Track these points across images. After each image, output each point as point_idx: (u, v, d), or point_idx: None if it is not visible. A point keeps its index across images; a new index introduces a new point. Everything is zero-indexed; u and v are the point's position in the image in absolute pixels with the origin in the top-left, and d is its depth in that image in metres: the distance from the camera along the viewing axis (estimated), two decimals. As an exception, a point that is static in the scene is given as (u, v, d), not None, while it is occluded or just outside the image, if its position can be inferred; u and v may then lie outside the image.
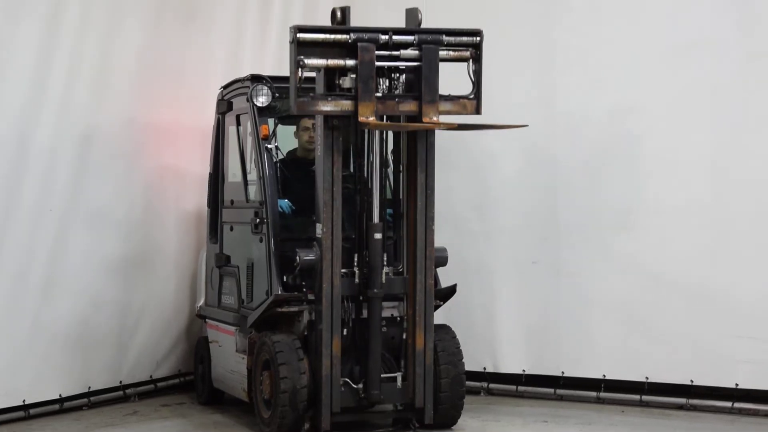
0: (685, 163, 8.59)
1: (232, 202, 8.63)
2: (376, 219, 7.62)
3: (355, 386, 7.58)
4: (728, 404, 8.39)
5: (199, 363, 9.04)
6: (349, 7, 7.63)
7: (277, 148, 8.20)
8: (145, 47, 8.91)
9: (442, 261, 7.88)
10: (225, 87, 8.74)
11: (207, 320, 8.95)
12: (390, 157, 7.92)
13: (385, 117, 7.61)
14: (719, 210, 8.48)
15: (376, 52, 7.39)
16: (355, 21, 7.65)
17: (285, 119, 8.35)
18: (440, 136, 7.78)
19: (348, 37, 7.37)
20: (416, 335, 7.61)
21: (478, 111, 7.62)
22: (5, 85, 7.97)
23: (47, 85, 8.22)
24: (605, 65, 8.83)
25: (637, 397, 8.69)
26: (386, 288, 7.62)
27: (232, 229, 8.62)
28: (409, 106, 7.52)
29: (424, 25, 7.68)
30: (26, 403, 8.16)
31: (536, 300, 9.08)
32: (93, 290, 8.62)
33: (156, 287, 9.13)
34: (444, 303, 8.13)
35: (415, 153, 7.61)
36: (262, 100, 8.07)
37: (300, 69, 7.28)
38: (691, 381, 8.49)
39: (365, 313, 7.75)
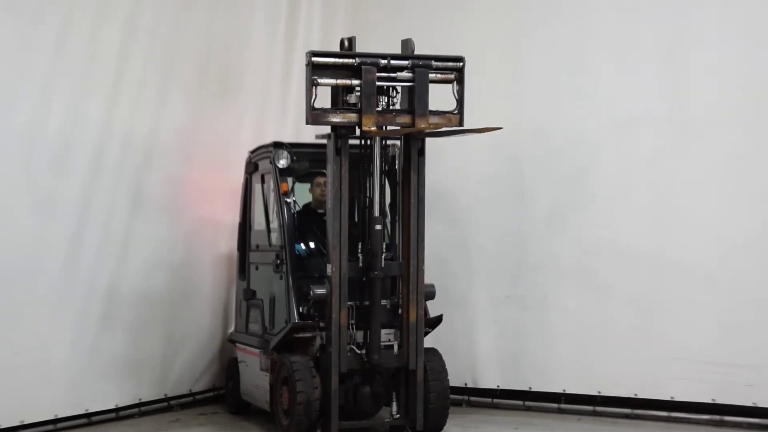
0: (628, 213, 8.53)
1: (257, 246, 8.66)
2: (376, 213, 7.64)
3: (359, 351, 7.60)
4: (665, 413, 8.44)
5: (229, 379, 9.03)
6: (354, 37, 7.71)
7: (294, 201, 8.31)
8: (188, 119, 9.00)
9: (430, 295, 7.94)
10: (252, 152, 8.76)
11: (236, 344, 8.93)
12: (387, 209, 7.95)
13: (384, 127, 7.64)
14: (660, 257, 8.45)
15: (377, 74, 7.48)
16: (359, 48, 7.71)
17: (301, 178, 8.51)
18: (428, 192, 7.75)
19: (354, 61, 7.48)
20: (410, 310, 7.64)
21: (461, 124, 7.65)
22: (74, 151, 8.10)
23: (108, 149, 8.35)
24: (564, 133, 8.85)
25: (591, 408, 8.71)
26: (385, 270, 7.61)
27: (257, 268, 8.64)
28: (404, 119, 7.58)
29: (416, 52, 7.71)
30: (89, 411, 8.29)
31: (508, 327, 9.08)
32: (143, 319, 8.69)
33: (195, 317, 9.17)
34: (432, 330, 8.17)
35: (410, 159, 7.62)
36: (283, 163, 8.16)
37: (314, 87, 7.36)
38: (635, 394, 8.54)
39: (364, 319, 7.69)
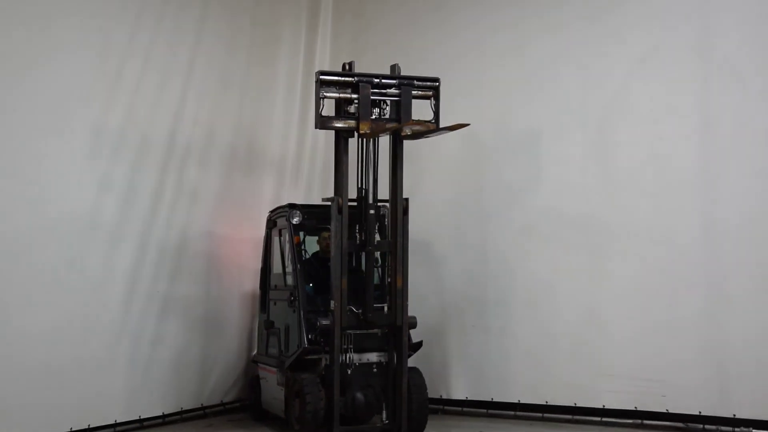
0: (569, 247, 8.40)
1: (275, 286, 8.71)
2: (370, 201, 7.70)
3: (356, 311, 7.60)
4: (598, 419, 8.45)
5: (252, 392, 8.98)
6: (353, 61, 7.82)
7: (305, 250, 8.46)
8: (221, 186, 9.14)
9: (413, 325, 7.96)
10: (272, 211, 8.86)
11: (258, 364, 8.93)
12: (379, 257, 8.12)
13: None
14: (593, 292, 8.46)
15: (371, 90, 7.58)
16: (357, 69, 7.76)
17: (310, 232, 8.60)
18: (410, 242, 7.73)
19: (353, 79, 7.59)
20: (396, 278, 7.65)
21: (437, 128, 7.68)
22: (133, 209, 8.23)
23: (159, 209, 8.48)
24: (534, 146, 8.70)
25: (540, 414, 8.73)
26: (377, 247, 7.67)
27: (275, 303, 8.66)
28: (392, 125, 7.66)
29: (402, 74, 7.80)
30: (141, 417, 8.35)
31: (474, 350, 9.05)
32: (185, 344, 8.77)
33: (225, 342, 9.20)
34: (414, 353, 8.18)
35: (396, 153, 7.56)
36: (296, 220, 8.24)
37: (321, 99, 7.46)
38: (575, 403, 8.57)
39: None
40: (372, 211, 7.68)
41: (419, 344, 8.24)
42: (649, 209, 8.31)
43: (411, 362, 8.09)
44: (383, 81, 7.69)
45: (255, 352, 9.28)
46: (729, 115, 7.91)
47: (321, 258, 8.53)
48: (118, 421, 8.17)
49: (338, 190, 7.62)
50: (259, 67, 9.42)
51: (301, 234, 8.50)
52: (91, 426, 7.91)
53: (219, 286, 9.17)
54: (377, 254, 8.09)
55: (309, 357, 7.93)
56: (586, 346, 8.57)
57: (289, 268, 8.43)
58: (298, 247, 8.30)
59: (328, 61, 9.90)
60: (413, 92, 7.72)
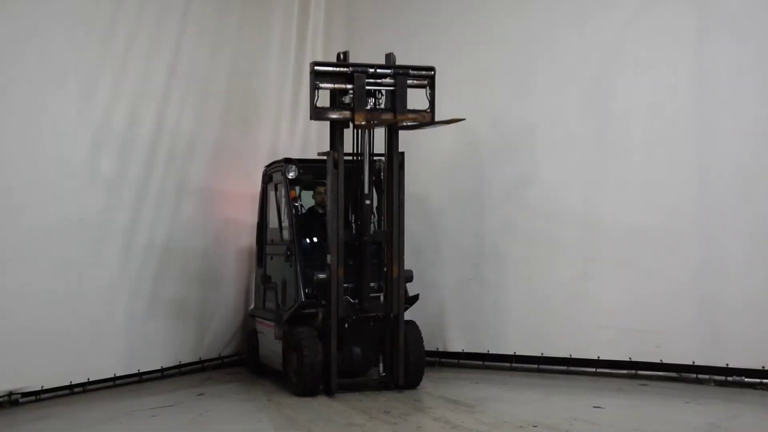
0: (562, 210, 8.53)
1: (272, 240, 8.75)
2: (366, 190, 7.69)
3: (353, 300, 7.67)
4: (593, 370, 8.60)
5: (251, 346, 9.07)
6: (348, 51, 7.85)
7: (301, 205, 8.45)
8: (217, 139, 9.12)
9: (409, 278, 8.08)
10: (267, 166, 8.93)
11: (256, 318, 9.02)
12: (375, 211, 8.02)
13: (372, 122, 7.67)
14: (589, 245, 8.55)
15: (366, 80, 7.59)
16: (352, 59, 7.79)
17: (306, 186, 8.66)
18: (408, 197, 7.92)
19: (348, 69, 7.58)
20: (392, 268, 7.72)
21: (433, 120, 7.76)
22: (130, 163, 8.19)
23: (156, 162, 8.45)
24: (524, 127, 8.75)
25: (536, 366, 8.86)
26: (373, 236, 7.70)
27: (272, 258, 8.73)
28: (387, 116, 7.68)
29: (397, 63, 7.82)
30: (140, 371, 8.44)
31: (471, 303, 9.18)
32: (182, 298, 8.83)
33: (222, 296, 9.27)
34: (411, 306, 8.24)
35: (391, 143, 7.67)
36: (292, 174, 8.31)
37: (316, 89, 7.44)
38: (570, 355, 8.69)
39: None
40: (368, 201, 7.65)
41: (416, 297, 8.32)
42: (645, 160, 8.37)
43: (408, 315, 8.17)
44: (378, 71, 7.67)
45: (252, 306, 9.37)
46: (725, 67, 7.99)
47: (317, 212, 8.58)
48: (117, 375, 8.27)
49: (334, 219, 7.62)
50: (253, 22, 9.46)
51: (297, 188, 8.54)
52: (90, 379, 8.00)
53: (216, 241, 9.22)
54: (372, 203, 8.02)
55: (306, 311, 8.00)
56: (581, 297, 8.67)
57: (285, 223, 8.46)
58: (294, 202, 8.33)
59: (322, 15, 9.91)
60: (408, 81, 7.71)
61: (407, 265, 8.03)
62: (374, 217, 8.04)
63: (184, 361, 8.96)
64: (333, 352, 7.72)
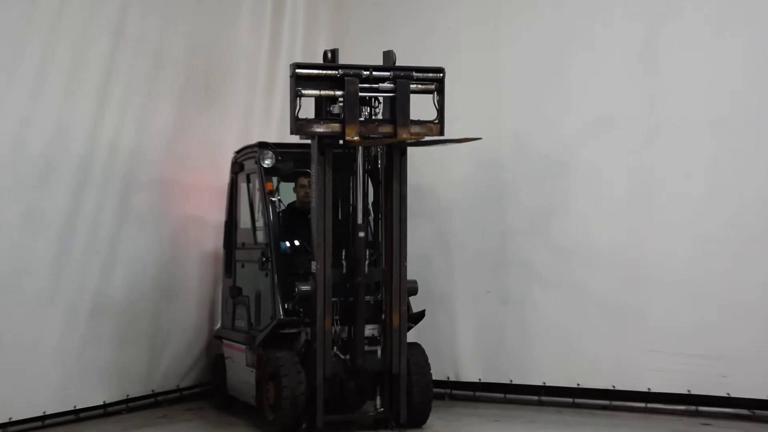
0: (605, 210, 8.54)
1: (243, 244, 8.62)
2: (359, 220, 7.60)
3: (343, 356, 7.59)
4: (642, 404, 8.43)
5: (216, 375, 8.97)
6: (337, 49, 7.71)
7: (279, 200, 8.28)
8: (175, 121, 8.93)
9: (413, 291, 7.90)
10: (238, 152, 8.75)
11: (223, 340, 8.90)
12: (371, 207, 7.92)
13: (367, 137, 7.57)
14: (632, 252, 8.43)
15: (360, 85, 7.47)
16: (342, 59, 7.69)
17: (286, 177, 8.47)
18: (411, 190, 7.77)
19: (337, 72, 7.45)
20: (392, 316, 7.62)
21: (441, 133, 7.65)
22: (61, 156, 8.00)
23: (97, 151, 8.28)
24: (541, 136, 8.78)
25: (570, 399, 8.72)
26: (368, 277, 7.60)
27: (243, 266, 8.60)
28: (386, 128, 7.58)
29: (398, 64, 7.72)
30: (76, 408, 8.19)
31: (489, 322, 9.04)
32: (131, 316, 8.61)
33: (181, 314, 9.09)
34: (415, 325, 8.12)
35: (392, 168, 7.61)
36: (268, 162, 8.13)
37: (298, 98, 7.34)
38: (613, 386, 8.53)
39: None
40: (361, 234, 7.59)
41: (421, 314, 8.21)
42: (709, 147, 8.30)
43: (411, 336, 8.03)
44: (374, 73, 7.57)
45: (218, 325, 9.30)
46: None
47: (299, 209, 8.42)
48: (47, 413, 8.04)
49: (320, 218, 7.52)
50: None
51: (275, 180, 8.39)
52: (12, 419, 7.75)
53: (173, 245, 9.08)
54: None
55: (285, 331, 7.89)
56: (626, 316, 8.54)
57: (259, 222, 8.38)
58: (270, 196, 8.20)
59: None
60: (412, 86, 7.61)
61: (410, 274, 7.83)
62: (370, 216, 7.91)
63: (133, 394, 8.79)
64: (319, 382, 7.53)
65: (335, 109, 7.53)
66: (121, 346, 8.55)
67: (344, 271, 7.63)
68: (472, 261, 9.12)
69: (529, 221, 8.90)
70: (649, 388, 8.40)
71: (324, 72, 7.47)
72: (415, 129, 7.59)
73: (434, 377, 8.03)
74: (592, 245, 8.62)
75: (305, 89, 7.39)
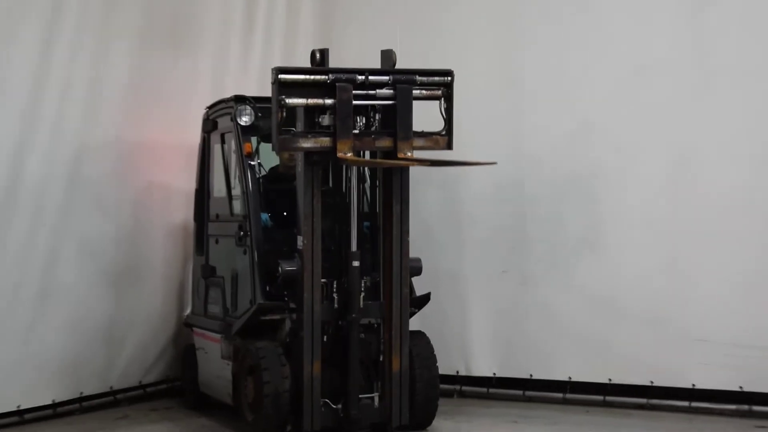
0: (644, 181, 8.60)
1: (217, 216, 8.61)
2: (354, 247, 7.62)
3: (334, 406, 7.59)
4: (686, 403, 8.43)
5: (186, 369, 8.97)
6: (327, 49, 7.69)
7: (260, 164, 8.25)
8: (133, 71, 8.87)
9: (416, 270, 7.87)
10: (210, 107, 8.72)
11: (194, 328, 8.89)
12: (367, 171, 7.97)
13: (362, 152, 7.66)
14: (677, 226, 8.46)
15: (353, 92, 7.46)
16: (333, 60, 7.72)
17: (267, 137, 8.22)
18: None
19: (327, 77, 7.44)
20: (392, 357, 7.61)
21: (449, 146, 7.64)
22: (1, 112, 7.97)
23: (40, 108, 8.20)
24: (568, 90, 8.84)
25: (600, 397, 8.70)
26: (363, 313, 7.60)
27: (217, 241, 8.58)
28: (384, 142, 7.55)
29: (398, 66, 7.75)
30: (21, 408, 8.10)
31: (505, 306, 9.04)
32: (85, 300, 8.55)
33: (144, 297, 9.05)
34: (419, 310, 8.10)
35: (391, 188, 7.65)
36: (245, 120, 8.08)
37: (281, 108, 7.34)
38: (651, 382, 8.52)
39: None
40: (356, 263, 7.59)
41: (426, 298, 8.19)
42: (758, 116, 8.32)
43: (414, 324, 8.01)
44: (370, 78, 7.54)
45: (188, 311, 9.29)
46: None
47: (283, 175, 8.40)
48: None
49: (308, 243, 7.50)
50: None
51: (254, 140, 8.36)
52: None
53: (134, 218, 9.04)
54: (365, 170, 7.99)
55: (267, 318, 7.87)
56: (668, 299, 8.53)
57: (236, 190, 8.38)
58: (249, 160, 8.19)
59: None
60: (415, 92, 7.60)
61: (413, 251, 7.80)
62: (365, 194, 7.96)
63: (88, 392, 8.71)
64: (307, 377, 7.51)
65: (325, 120, 7.50)
66: (73, 335, 8.48)
67: (335, 306, 7.65)
68: (486, 235, 9.10)
69: (554, 187, 8.90)
70: (693, 385, 8.43)
71: (312, 77, 7.44)
72: (418, 142, 7.60)
73: (441, 371, 8.04)
74: (629, 214, 8.65)
75: (290, 98, 7.34)
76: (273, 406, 7.43)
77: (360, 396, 7.65)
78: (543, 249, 8.94)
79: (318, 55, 7.67)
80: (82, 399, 8.56)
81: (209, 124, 8.69)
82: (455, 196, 9.13)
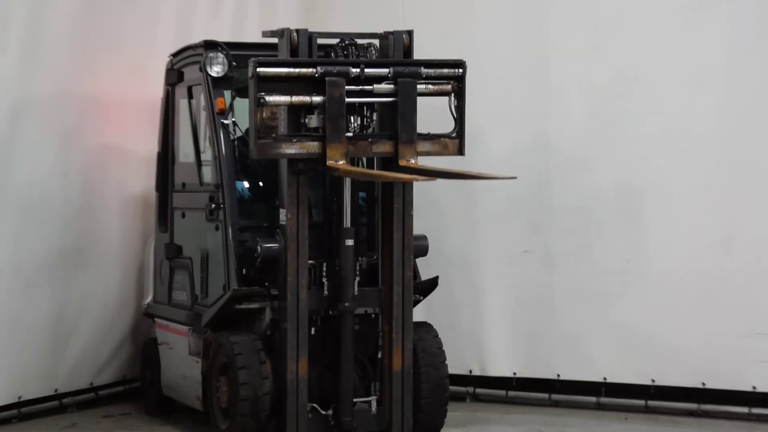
0: (695, 142, 8.63)
1: (183, 185, 8.59)
2: (347, 223, 7.64)
3: (324, 412, 7.62)
4: (745, 409, 8.43)
5: (146, 368, 8.98)
6: (313, 35, 7.64)
7: (234, 123, 8.17)
8: (80, 11, 8.82)
9: (421, 250, 7.87)
10: (175, 55, 8.68)
11: (156, 319, 8.89)
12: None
13: (357, 160, 7.71)
14: (733, 195, 8.51)
15: (346, 87, 7.44)
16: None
17: (243, 91, 8.10)
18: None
19: (314, 70, 7.40)
20: (393, 355, 7.61)
21: (461, 152, 7.66)
22: None
23: None
24: (604, 32, 8.91)
25: (642, 402, 8.71)
26: (358, 301, 7.66)
27: (184, 215, 8.58)
28: (383, 147, 7.54)
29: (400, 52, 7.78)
30: None
31: (528, 294, 9.05)
32: (23, 285, 8.50)
33: (96, 282, 9.03)
34: (424, 298, 8.12)
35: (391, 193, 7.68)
36: (217, 70, 8.01)
37: (261, 107, 7.33)
38: (703, 384, 8.55)
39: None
40: (350, 241, 7.64)
41: (433, 283, 8.20)
42: None
43: (419, 314, 8.01)
44: (367, 71, 7.50)
45: (149, 299, 9.25)
46: None
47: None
48: None
49: (293, 217, 7.48)
50: None
51: (227, 95, 8.31)
52: None
53: (84, 188, 9.03)
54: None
55: (243, 306, 7.85)
56: (722, 286, 8.55)
57: (206, 155, 8.37)
58: (222, 118, 8.16)
59: None
60: (420, 87, 7.58)
61: (417, 228, 7.80)
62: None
63: (28, 396, 8.68)
64: (291, 376, 7.48)
65: (312, 121, 7.46)
66: (9, 329, 8.48)
67: (326, 293, 7.73)
68: (504, 208, 9.13)
69: (586, 149, 8.94)
70: (754, 387, 8.45)
71: (297, 71, 7.36)
72: (424, 147, 7.59)
73: (451, 371, 8.05)
74: (677, 181, 8.68)
75: (270, 95, 7.32)
76: (250, 412, 7.43)
77: (354, 400, 7.66)
78: (572, 224, 8.94)
79: (295, 36, 7.59)
80: (20, 404, 8.54)
81: (174, 75, 8.64)
82: (467, 161, 8.77)
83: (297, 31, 7.53)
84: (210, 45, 8.14)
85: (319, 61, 7.53)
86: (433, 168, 7.56)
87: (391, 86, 7.55)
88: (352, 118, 7.57)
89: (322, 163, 7.46)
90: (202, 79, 8.16)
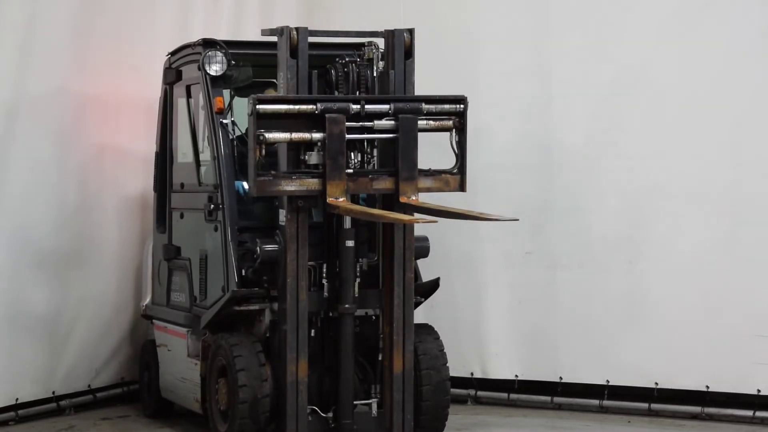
0: (698, 142, 8.62)
1: (182, 185, 8.58)
2: (347, 223, 7.64)
3: (324, 415, 7.62)
4: (749, 413, 8.44)
5: (145, 370, 8.99)
6: (305, 28, 7.62)
7: (233, 123, 8.19)
8: (77, 9, 8.82)
9: (422, 252, 7.89)
10: (173, 53, 8.68)
11: (154, 321, 8.91)
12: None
13: (358, 199, 7.74)
14: (738, 195, 8.51)
15: (347, 123, 7.47)
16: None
17: (242, 90, 8.35)
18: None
19: (314, 107, 7.45)
20: (393, 357, 7.60)
21: (462, 188, 7.67)
22: None
23: None
24: (609, 27, 8.92)
25: (645, 405, 8.71)
26: (358, 303, 7.64)
27: (182, 216, 8.58)
28: (384, 184, 7.57)
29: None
30: None
31: (530, 296, 9.06)
32: (20, 287, 8.52)
33: (94, 283, 9.03)
34: (425, 300, 8.11)
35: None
36: (216, 69, 8.02)
37: (260, 145, 7.34)
38: (707, 387, 8.55)
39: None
40: (350, 243, 7.67)
41: (434, 284, 8.21)
42: None
43: (420, 316, 8.05)
44: (367, 108, 7.58)
45: (147, 301, 9.29)
46: None
47: None
48: None
49: (293, 218, 7.50)
50: None
51: (226, 94, 8.37)
52: None
53: (81, 188, 9.06)
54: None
55: (242, 308, 7.86)
56: (726, 287, 8.57)
57: (205, 154, 8.38)
58: (221, 117, 8.17)
59: None
60: (421, 123, 7.63)
61: (419, 229, 7.82)
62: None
63: (25, 398, 8.70)
64: (291, 378, 7.50)
65: (312, 158, 7.49)
66: (7, 330, 8.50)
67: (325, 295, 7.74)
68: (505, 209, 8.50)
69: (589, 147, 8.93)
70: (758, 390, 8.45)
71: (297, 107, 7.44)
72: (425, 183, 7.62)
73: (452, 373, 8.06)
74: (679, 181, 8.68)
75: (270, 132, 7.35)
76: (249, 414, 7.44)
77: (355, 402, 7.66)
78: (575, 225, 8.94)
79: (294, 34, 7.57)
80: (18, 406, 8.55)
81: (172, 74, 8.62)
82: (469, 159, 8.76)
83: (296, 29, 7.52)
84: (208, 43, 8.16)
85: (319, 97, 7.56)
86: (435, 207, 7.57)
87: (392, 122, 7.61)
88: (352, 154, 7.62)
89: (322, 201, 7.50)
90: (200, 78, 8.16)
